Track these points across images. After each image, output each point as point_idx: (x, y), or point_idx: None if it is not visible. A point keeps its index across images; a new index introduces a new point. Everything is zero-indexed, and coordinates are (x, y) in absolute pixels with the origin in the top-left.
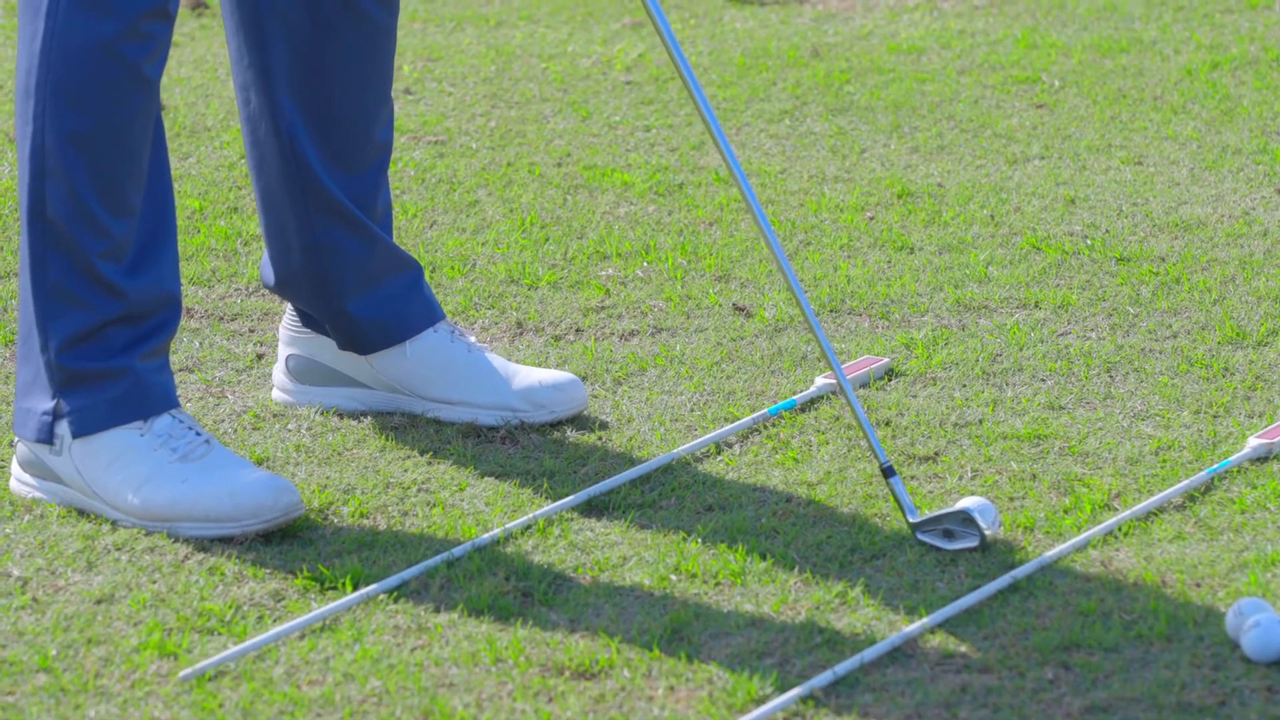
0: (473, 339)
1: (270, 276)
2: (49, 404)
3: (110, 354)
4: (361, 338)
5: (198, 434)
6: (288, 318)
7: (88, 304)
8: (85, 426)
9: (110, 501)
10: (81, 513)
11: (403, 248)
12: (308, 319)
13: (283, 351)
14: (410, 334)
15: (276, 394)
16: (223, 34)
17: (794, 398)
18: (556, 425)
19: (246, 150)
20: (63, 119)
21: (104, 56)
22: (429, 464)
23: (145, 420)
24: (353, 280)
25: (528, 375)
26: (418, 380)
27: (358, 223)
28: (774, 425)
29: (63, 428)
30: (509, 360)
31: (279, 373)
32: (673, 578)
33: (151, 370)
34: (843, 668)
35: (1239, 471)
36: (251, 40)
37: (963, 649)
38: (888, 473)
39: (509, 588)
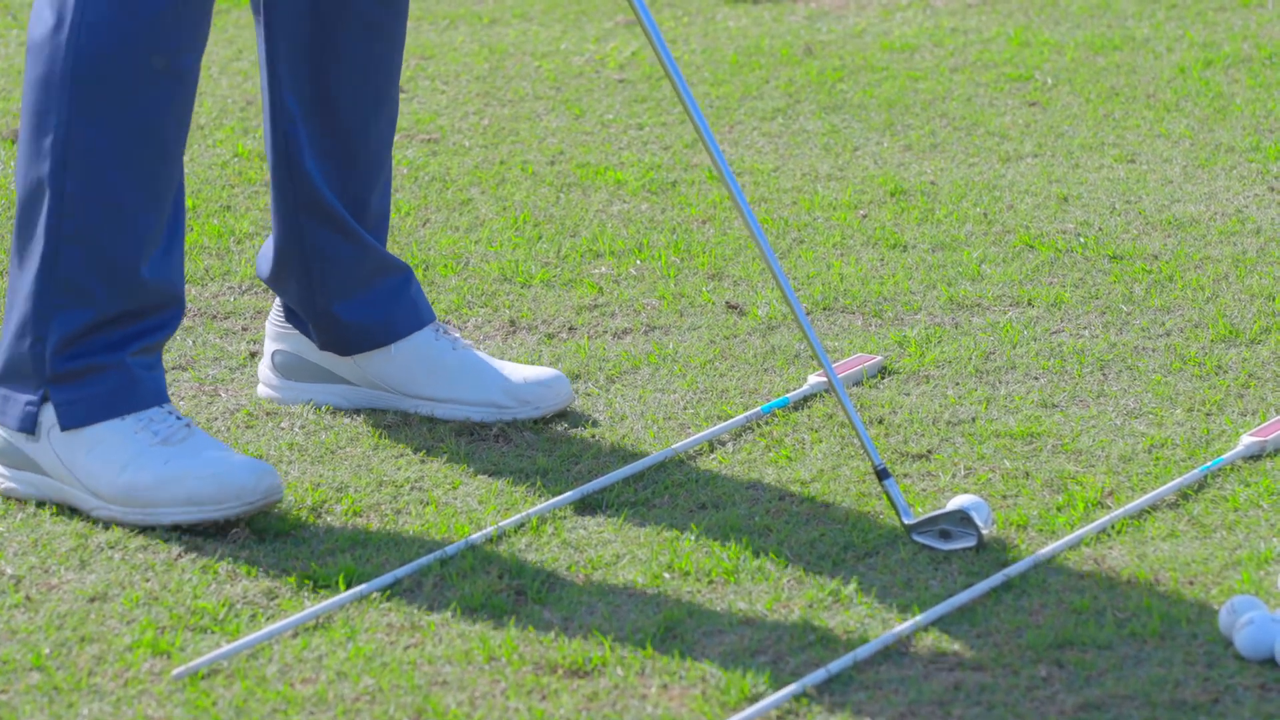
0: (458, 336)
1: (266, 268)
2: (35, 394)
3: (107, 349)
4: (345, 339)
5: (178, 418)
6: (274, 313)
7: (95, 299)
8: (73, 420)
9: (91, 487)
10: (74, 511)
11: (395, 248)
12: (291, 314)
13: (269, 346)
14: (394, 339)
15: (262, 389)
16: (219, 31)
17: (787, 395)
18: (549, 423)
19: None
20: (90, 109)
21: (136, 45)
22: (422, 462)
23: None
24: (339, 283)
25: (513, 372)
26: (403, 379)
27: (347, 228)
28: (767, 423)
29: (48, 418)
30: (498, 358)
31: (265, 368)
32: (666, 576)
33: (142, 366)
34: (836, 666)
35: (1232, 469)
36: (262, 39)
37: (956, 647)
38: (882, 475)
39: (502, 586)
